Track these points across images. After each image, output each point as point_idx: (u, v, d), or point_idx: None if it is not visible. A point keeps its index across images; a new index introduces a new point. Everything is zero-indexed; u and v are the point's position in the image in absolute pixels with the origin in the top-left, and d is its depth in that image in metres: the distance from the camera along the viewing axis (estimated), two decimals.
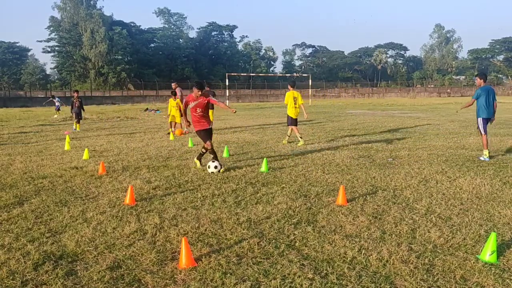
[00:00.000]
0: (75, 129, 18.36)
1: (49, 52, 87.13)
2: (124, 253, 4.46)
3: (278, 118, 24.58)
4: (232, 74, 61.05)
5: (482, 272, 3.91)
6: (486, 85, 9.40)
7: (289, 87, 12.61)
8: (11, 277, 3.91)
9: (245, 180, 7.79)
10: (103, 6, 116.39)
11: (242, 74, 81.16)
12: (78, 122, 18.72)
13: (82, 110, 18.94)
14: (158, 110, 31.21)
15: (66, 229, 5.23)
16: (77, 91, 19.87)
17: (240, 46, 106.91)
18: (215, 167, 8.35)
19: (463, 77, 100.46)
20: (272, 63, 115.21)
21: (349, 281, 3.79)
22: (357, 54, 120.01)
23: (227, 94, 47.41)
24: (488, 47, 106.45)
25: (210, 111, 9.33)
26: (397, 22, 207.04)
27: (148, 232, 5.06)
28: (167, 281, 3.83)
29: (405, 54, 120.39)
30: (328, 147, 11.92)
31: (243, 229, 5.13)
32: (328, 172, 8.42)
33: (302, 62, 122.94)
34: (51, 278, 3.89)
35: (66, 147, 12.32)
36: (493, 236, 4.18)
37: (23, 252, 4.49)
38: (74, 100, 18.68)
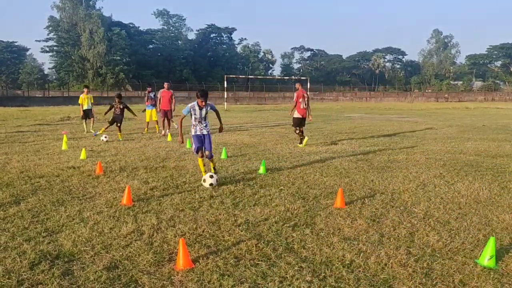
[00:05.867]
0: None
1: (47, 52, 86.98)
2: (121, 253, 4.43)
3: (276, 120, 24.60)
4: (231, 76, 60.98)
5: (481, 276, 3.90)
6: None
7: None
8: (6, 276, 3.87)
9: (243, 181, 7.77)
10: (102, 7, 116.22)
11: (240, 76, 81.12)
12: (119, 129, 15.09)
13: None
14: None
15: (62, 228, 5.20)
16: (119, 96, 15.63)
17: (238, 49, 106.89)
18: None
19: (461, 82, 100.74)
20: (271, 66, 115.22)
21: (347, 284, 3.77)
22: (355, 58, 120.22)
23: (225, 96, 47.30)
24: (486, 52, 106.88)
25: None
26: (396, 27, 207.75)
27: (145, 233, 5.03)
28: (164, 282, 3.81)
29: (403, 59, 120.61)
30: (326, 150, 11.91)
31: (241, 231, 5.10)
32: (326, 175, 8.41)
33: (300, 65, 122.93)
34: (47, 278, 3.85)
35: (64, 146, 12.27)
36: (492, 240, 4.17)
37: (19, 251, 4.46)
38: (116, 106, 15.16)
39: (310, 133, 16.78)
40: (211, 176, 7.25)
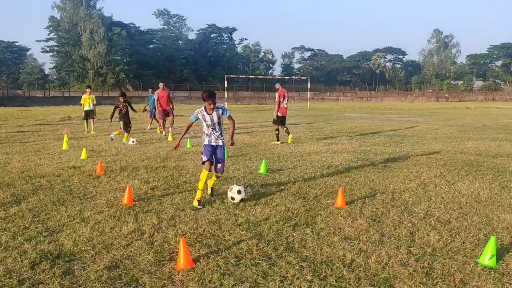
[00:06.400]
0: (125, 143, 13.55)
1: (48, 52, 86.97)
2: (121, 253, 4.43)
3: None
4: (231, 76, 60.98)
5: (482, 276, 3.90)
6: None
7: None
8: (7, 276, 3.88)
9: (243, 181, 7.77)
10: (102, 7, 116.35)
11: (241, 76, 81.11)
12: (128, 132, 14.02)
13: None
14: None
15: (63, 228, 5.21)
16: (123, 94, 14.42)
17: (239, 49, 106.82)
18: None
19: (461, 82, 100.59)
20: (271, 65, 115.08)
21: (348, 283, 3.77)
22: (355, 58, 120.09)
23: (226, 96, 47.34)
24: (487, 52, 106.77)
25: None
26: (396, 26, 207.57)
27: (146, 233, 5.03)
28: (165, 281, 3.81)
29: (403, 59, 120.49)
30: (327, 150, 11.91)
31: (242, 231, 5.10)
32: (326, 175, 8.41)
33: (301, 65, 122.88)
34: (48, 277, 3.86)
35: (64, 146, 12.28)
36: (492, 240, 4.17)
37: (20, 250, 4.46)
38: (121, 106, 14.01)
39: (310, 133, 16.79)
40: (239, 192, 6.28)
